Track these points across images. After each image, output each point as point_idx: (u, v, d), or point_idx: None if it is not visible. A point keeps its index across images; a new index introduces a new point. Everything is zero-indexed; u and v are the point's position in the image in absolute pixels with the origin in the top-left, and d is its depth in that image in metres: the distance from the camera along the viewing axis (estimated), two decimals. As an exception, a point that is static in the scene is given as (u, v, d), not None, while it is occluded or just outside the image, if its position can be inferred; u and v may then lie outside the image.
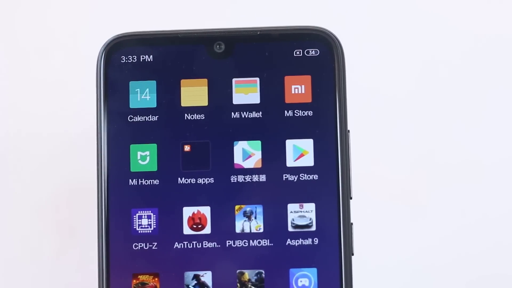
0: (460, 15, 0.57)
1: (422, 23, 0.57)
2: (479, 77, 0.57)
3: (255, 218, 0.41)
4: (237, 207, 0.42)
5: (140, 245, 0.41)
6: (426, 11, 0.57)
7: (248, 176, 0.42)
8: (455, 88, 0.56)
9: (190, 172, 0.42)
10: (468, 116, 0.56)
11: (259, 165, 0.42)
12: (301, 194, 0.42)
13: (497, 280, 0.55)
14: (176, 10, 0.57)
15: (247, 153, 0.42)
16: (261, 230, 0.41)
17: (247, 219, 0.41)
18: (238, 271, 0.41)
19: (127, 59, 0.42)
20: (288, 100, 0.42)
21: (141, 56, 0.42)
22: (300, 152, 0.42)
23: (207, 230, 0.41)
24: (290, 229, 0.41)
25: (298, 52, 0.42)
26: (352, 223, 0.41)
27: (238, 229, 0.41)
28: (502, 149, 0.56)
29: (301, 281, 0.41)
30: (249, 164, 0.42)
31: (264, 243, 0.41)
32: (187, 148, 0.42)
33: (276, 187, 0.42)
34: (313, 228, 0.41)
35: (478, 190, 0.56)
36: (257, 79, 0.42)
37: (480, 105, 0.56)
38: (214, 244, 0.41)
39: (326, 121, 0.42)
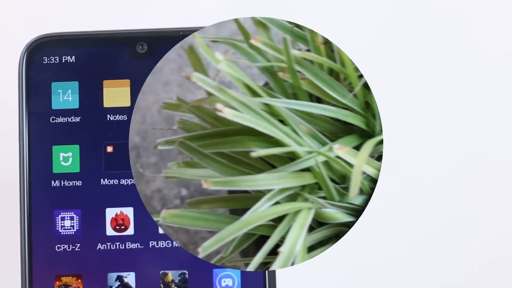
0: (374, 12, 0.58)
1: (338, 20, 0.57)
2: (409, 70, 0.57)
3: (178, 218, 0.42)
4: (160, 207, 0.42)
5: (63, 246, 0.41)
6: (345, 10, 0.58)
7: (171, 176, 0.42)
8: (380, 80, 0.57)
9: (113, 173, 0.42)
10: (400, 113, 0.57)
11: (182, 166, 0.42)
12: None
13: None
14: (99, 11, 0.57)
15: (170, 154, 0.42)
16: (185, 231, 0.42)
17: (170, 219, 0.41)
18: (161, 271, 0.41)
19: (49, 59, 0.42)
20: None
21: (63, 57, 0.42)
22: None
23: (130, 231, 0.41)
24: (213, 229, 0.42)
25: (220, 53, 0.42)
26: (275, 223, 0.41)
27: (161, 230, 0.41)
28: (435, 151, 0.57)
29: (224, 281, 0.41)
30: (172, 164, 0.42)
31: (188, 244, 0.42)
32: (109, 149, 0.42)
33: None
34: (236, 228, 0.42)
35: (406, 193, 0.56)
36: (180, 79, 0.42)
37: (413, 104, 0.57)
38: (137, 245, 0.41)
39: None
